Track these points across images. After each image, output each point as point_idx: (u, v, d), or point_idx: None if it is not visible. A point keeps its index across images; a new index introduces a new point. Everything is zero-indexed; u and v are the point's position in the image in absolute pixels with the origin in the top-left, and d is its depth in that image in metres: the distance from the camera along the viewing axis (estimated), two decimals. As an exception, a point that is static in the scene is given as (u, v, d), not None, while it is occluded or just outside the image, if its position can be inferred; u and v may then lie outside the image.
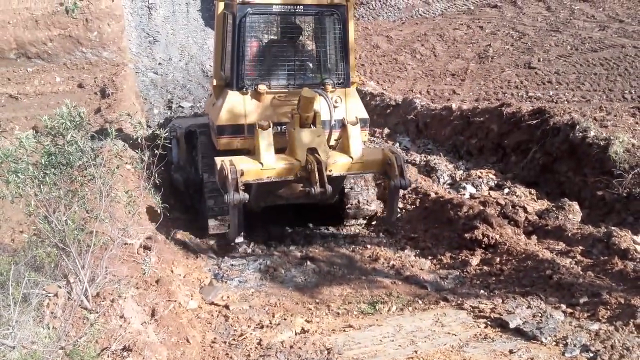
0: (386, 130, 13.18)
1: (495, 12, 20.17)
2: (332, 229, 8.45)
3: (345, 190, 7.98)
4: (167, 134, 4.96)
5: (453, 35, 18.83)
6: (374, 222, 8.55)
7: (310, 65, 7.99)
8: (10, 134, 10.75)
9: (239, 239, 7.26)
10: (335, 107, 7.37)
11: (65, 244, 4.27)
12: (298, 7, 7.36)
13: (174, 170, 8.92)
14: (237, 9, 7.16)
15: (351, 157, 7.08)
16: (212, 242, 7.86)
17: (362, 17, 22.94)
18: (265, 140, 6.83)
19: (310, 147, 6.90)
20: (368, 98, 14.79)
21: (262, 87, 7.28)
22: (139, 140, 4.89)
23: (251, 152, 7.13)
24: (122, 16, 18.89)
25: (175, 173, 8.90)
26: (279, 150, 6.99)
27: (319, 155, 6.82)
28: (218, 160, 6.80)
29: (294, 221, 8.56)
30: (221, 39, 8.16)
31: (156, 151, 4.85)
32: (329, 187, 6.62)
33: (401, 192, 7.73)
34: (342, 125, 7.31)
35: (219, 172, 6.67)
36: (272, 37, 8.12)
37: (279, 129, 7.20)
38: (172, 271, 6.01)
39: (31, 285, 4.01)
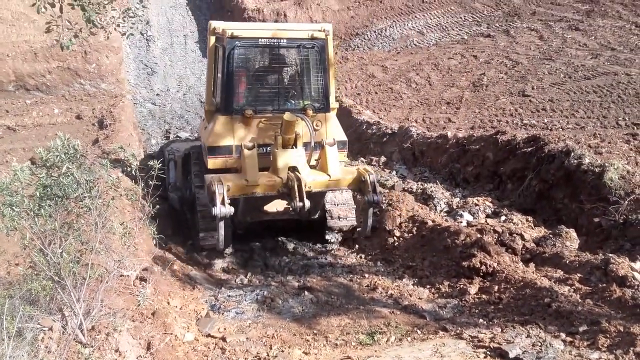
0: (383, 159, 13.24)
1: (488, 42, 20.44)
2: (329, 259, 8.44)
3: (327, 207, 8.66)
4: (160, 165, 4.98)
5: (447, 64, 19.05)
6: (354, 236, 9.14)
7: (293, 92, 8.69)
8: (7, 166, 10.77)
9: (227, 250, 8.10)
10: (315, 129, 8.05)
11: (61, 276, 4.25)
12: (281, 40, 8.16)
13: (171, 190, 9.63)
14: (227, 42, 7.92)
15: (329, 175, 7.84)
16: (205, 260, 8.41)
17: (358, 47, 23.24)
18: (250, 160, 7.66)
19: (292, 166, 7.63)
20: (364, 127, 14.89)
21: (248, 112, 8.03)
22: (134, 172, 4.91)
23: (239, 170, 7.90)
24: (121, 48, 19.13)
25: (171, 192, 9.60)
26: (263, 168, 7.78)
27: (299, 173, 7.51)
28: (207, 177, 7.55)
29: (280, 235, 9.16)
30: (212, 69, 8.90)
31: (150, 182, 4.87)
32: (307, 202, 7.30)
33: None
34: (321, 146, 8.05)
35: (208, 188, 7.38)
36: (258, 66, 8.73)
37: (265, 149, 7.98)
38: (168, 303, 5.96)
39: (26, 319, 3.98)
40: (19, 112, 16.60)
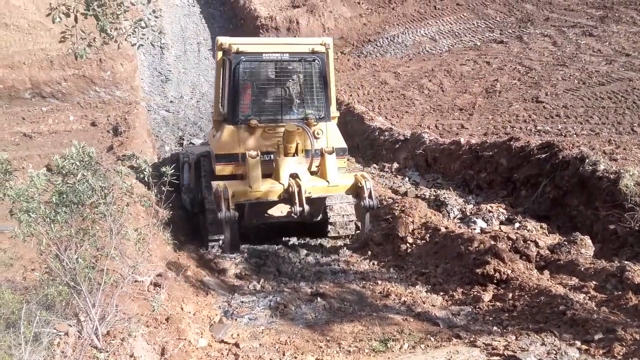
0: (395, 165, 13.23)
1: (501, 48, 20.39)
2: (342, 265, 8.45)
3: (328, 210, 9.14)
4: (172, 171, 5.05)
5: (460, 70, 19.02)
6: (351, 236, 9.58)
7: (296, 102, 9.20)
8: (24, 172, 10.89)
9: (238, 256, 8.47)
10: (316, 138, 8.52)
11: (76, 282, 4.29)
12: (284, 54, 8.74)
13: (184, 191, 9.94)
14: (233, 57, 8.53)
15: (327, 181, 8.38)
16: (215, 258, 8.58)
17: (370, 54, 23.27)
18: (254, 167, 8.11)
19: (293, 173, 8.20)
20: (377, 133, 14.90)
21: (253, 122, 8.57)
22: (147, 179, 4.96)
23: (244, 176, 8.36)
24: (135, 56, 19.33)
25: (184, 194, 9.91)
26: (267, 175, 8.28)
27: (299, 180, 8.09)
28: (214, 183, 8.12)
29: (285, 235, 9.61)
30: (220, 81, 9.33)
31: (164, 188, 4.92)
32: (306, 207, 7.95)
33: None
34: (321, 154, 8.52)
35: (214, 194, 8.01)
36: (262, 79, 9.23)
37: (268, 157, 8.50)
38: (182, 308, 5.99)
39: (42, 324, 4.02)
40: (35, 119, 16.82)
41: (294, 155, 8.36)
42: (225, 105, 8.95)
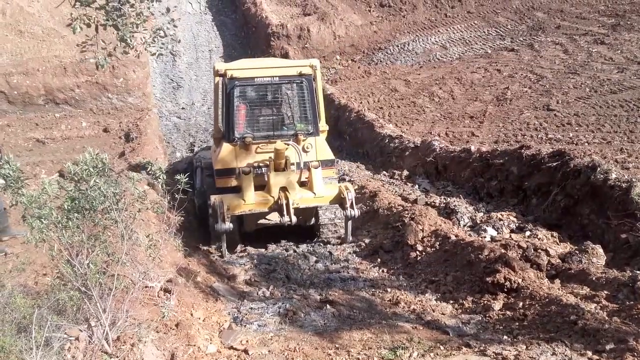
0: (405, 173, 13.20)
1: (512, 56, 20.33)
2: (352, 272, 8.44)
3: (319, 216, 9.93)
4: (186, 179, 5.10)
5: (471, 78, 18.99)
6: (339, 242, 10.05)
7: (286, 120, 10.43)
8: (37, 178, 11.01)
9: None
10: (306, 152, 9.66)
11: (88, 287, 4.32)
12: (274, 78, 9.70)
13: (196, 195, 10.58)
14: (227, 82, 9.48)
15: (314, 193, 9.24)
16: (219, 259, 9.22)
17: (380, 61, 23.31)
18: (247, 182, 9.08)
19: (282, 187, 9.08)
20: (387, 140, 14.89)
21: (248, 139, 9.53)
22: (160, 186, 5.00)
23: (240, 188, 9.21)
24: (148, 63, 19.48)
25: (196, 198, 10.57)
26: (260, 187, 9.21)
27: (288, 193, 8.98)
28: (212, 197, 8.99)
29: (281, 238, 10.11)
30: (217, 102, 10.27)
31: (177, 195, 4.96)
32: (294, 218, 8.84)
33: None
34: (308, 167, 9.34)
35: (212, 207, 8.84)
36: (255, 100, 10.13)
37: (261, 170, 9.43)
38: (191, 314, 6.02)
39: (53, 329, 4.05)
40: (48, 126, 16.99)
41: (283, 170, 9.29)
42: (222, 124, 9.93)
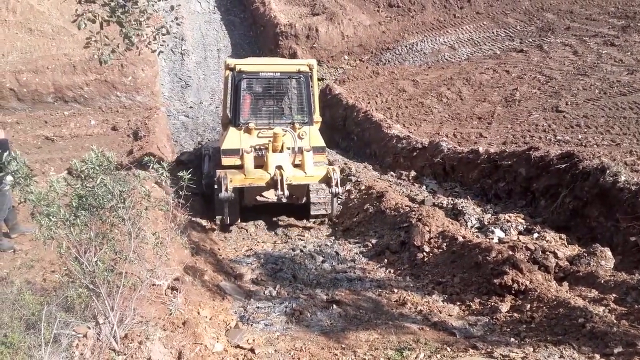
0: (412, 173, 13.18)
1: (521, 57, 20.25)
2: (358, 273, 8.43)
3: (310, 195, 11.27)
4: (189, 175, 5.15)
5: (479, 79, 18.93)
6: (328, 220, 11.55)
7: (285, 110, 11.87)
8: (46, 175, 11.07)
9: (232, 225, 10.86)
10: (300, 138, 11.09)
11: (96, 284, 4.34)
12: (276, 73, 11.32)
13: (204, 178, 12.08)
14: (236, 75, 11.05)
15: (305, 172, 10.69)
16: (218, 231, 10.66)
17: (389, 61, 23.28)
18: (248, 160, 10.69)
19: (278, 165, 10.45)
20: (394, 141, 14.86)
21: (251, 125, 11.02)
22: (164, 183, 5.01)
23: (242, 167, 10.70)
24: (156, 62, 19.55)
25: (203, 180, 12.02)
26: (259, 166, 10.69)
27: (283, 171, 10.34)
28: (218, 171, 10.60)
29: (276, 215, 11.59)
30: (226, 93, 11.74)
31: (181, 193, 4.97)
32: (286, 192, 10.19)
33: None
34: (301, 151, 10.90)
35: (217, 179, 10.34)
36: (259, 92, 11.61)
37: (261, 152, 10.81)
38: (198, 313, 6.02)
39: (62, 326, 4.07)
40: (57, 123, 17.09)
41: (280, 152, 10.70)
42: (229, 112, 11.38)
